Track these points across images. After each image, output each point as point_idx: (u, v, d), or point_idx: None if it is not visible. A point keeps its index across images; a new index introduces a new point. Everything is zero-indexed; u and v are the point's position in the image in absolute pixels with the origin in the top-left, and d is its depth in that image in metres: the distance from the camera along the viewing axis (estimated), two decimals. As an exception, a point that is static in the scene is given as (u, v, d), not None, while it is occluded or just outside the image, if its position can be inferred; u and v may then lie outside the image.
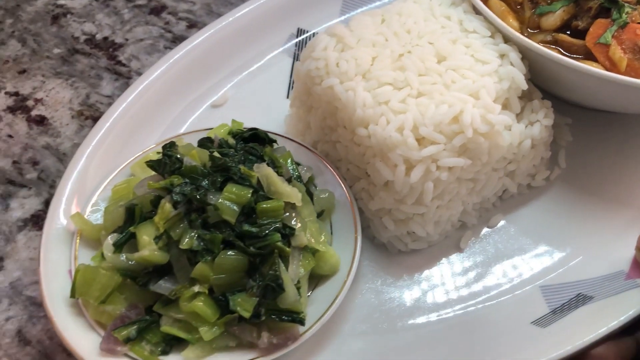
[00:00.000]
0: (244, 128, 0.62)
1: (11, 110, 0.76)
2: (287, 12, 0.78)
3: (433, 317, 0.56)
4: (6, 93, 0.78)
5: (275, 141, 0.60)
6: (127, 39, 0.83)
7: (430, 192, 0.55)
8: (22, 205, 0.67)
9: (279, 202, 0.52)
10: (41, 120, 0.75)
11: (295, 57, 0.77)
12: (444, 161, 0.54)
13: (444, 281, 0.59)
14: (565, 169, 0.66)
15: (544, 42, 0.63)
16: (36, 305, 0.60)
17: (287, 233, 0.52)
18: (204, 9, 0.84)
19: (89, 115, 0.72)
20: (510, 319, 0.55)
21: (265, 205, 0.52)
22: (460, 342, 0.54)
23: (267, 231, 0.51)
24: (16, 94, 0.77)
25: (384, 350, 0.55)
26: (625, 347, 0.51)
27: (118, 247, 0.52)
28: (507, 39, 0.60)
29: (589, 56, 0.61)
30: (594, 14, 0.62)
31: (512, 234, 0.62)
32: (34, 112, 0.76)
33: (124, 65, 0.79)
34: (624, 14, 0.60)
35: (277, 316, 0.50)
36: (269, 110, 0.72)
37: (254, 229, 0.51)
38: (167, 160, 0.54)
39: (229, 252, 0.51)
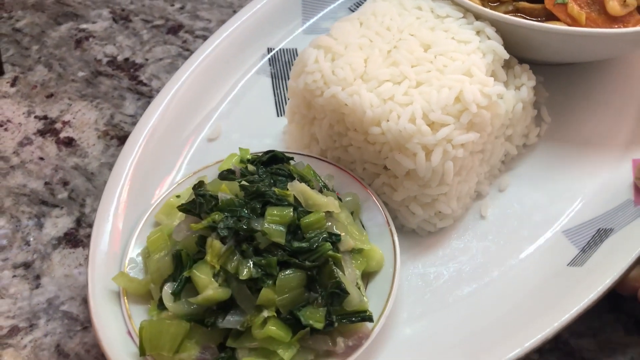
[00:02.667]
0: (259, 152, 0.63)
1: (41, 133, 0.80)
2: (255, 35, 0.80)
3: (478, 284, 0.60)
4: (35, 117, 0.81)
5: (292, 158, 0.62)
6: (147, 59, 0.88)
7: (451, 171, 0.58)
8: (55, 225, 0.70)
9: (320, 214, 0.55)
10: (69, 142, 0.78)
11: (273, 76, 0.80)
12: (457, 139, 0.58)
13: (477, 249, 0.63)
14: (551, 122, 0.71)
15: (508, 12, 0.68)
16: (73, 320, 0.64)
17: (334, 240, 0.54)
18: (219, 25, 0.86)
19: (114, 135, 0.76)
20: (549, 267, 0.59)
21: (308, 219, 0.54)
22: (512, 300, 0.58)
23: (316, 243, 0.53)
24: (45, 117, 0.81)
25: (444, 325, 0.58)
26: None
27: (177, 294, 0.53)
28: (477, 17, 0.65)
29: (550, 17, 0.67)
30: (546, -22, 0.68)
31: (522, 192, 0.67)
32: (62, 134, 0.79)
33: (145, 84, 0.83)
34: (574, -26, 0.66)
35: (348, 319, 0.53)
36: (263, 131, 0.74)
37: (304, 244, 0.53)
38: (202, 200, 0.55)
39: (287, 272, 0.52)
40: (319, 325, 0.52)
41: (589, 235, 0.60)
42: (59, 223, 0.70)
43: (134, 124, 0.75)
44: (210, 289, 0.51)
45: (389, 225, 0.60)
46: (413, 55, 0.61)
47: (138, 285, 0.57)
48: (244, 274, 0.52)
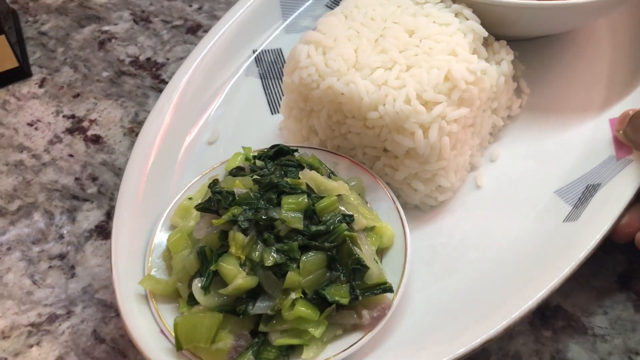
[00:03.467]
0: (265, 148, 0.66)
1: (70, 131, 0.84)
2: (240, 39, 0.83)
3: (483, 249, 0.64)
4: (64, 116, 0.86)
5: (296, 150, 0.65)
6: (168, 58, 0.92)
7: (448, 145, 0.62)
8: (87, 218, 0.75)
9: (332, 198, 0.58)
10: (97, 139, 0.83)
11: (262, 76, 0.83)
12: (450, 115, 0.62)
13: (478, 217, 0.67)
14: (530, 93, 0.75)
15: (484, -7, 0.73)
16: (107, 307, 0.68)
17: (348, 220, 0.58)
18: None
19: (139, 131, 0.77)
20: (547, 225, 0.63)
21: (322, 203, 0.57)
22: (516, 260, 0.62)
23: (332, 225, 0.56)
24: (72, 116, 0.86)
25: (455, 289, 0.62)
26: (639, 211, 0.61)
27: (206, 288, 0.55)
28: (454, 0, 0.69)
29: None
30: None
31: (512, 159, 0.71)
32: (89, 132, 0.84)
33: (166, 82, 0.84)
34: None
35: (371, 292, 0.56)
36: (259, 130, 0.77)
37: (321, 227, 0.56)
38: (219, 197, 0.58)
39: (309, 254, 0.55)
40: (345, 301, 0.55)
41: (580, 192, 0.65)
42: (90, 216, 0.75)
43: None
44: (239, 278, 0.54)
45: (394, 203, 0.64)
46: (399, 41, 0.65)
47: (165, 286, 0.59)
48: (269, 260, 0.54)
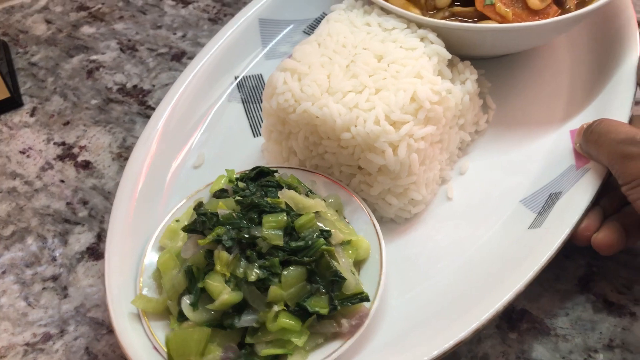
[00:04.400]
0: (246, 171, 0.70)
1: (60, 158, 0.88)
2: (222, 66, 0.87)
3: (454, 257, 0.68)
4: (55, 144, 0.90)
5: (276, 171, 0.69)
6: (154, 85, 0.96)
7: (417, 161, 0.66)
8: (78, 240, 0.78)
9: (310, 215, 0.62)
10: (87, 165, 0.87)
11: (244, 101, 0.87)
12: (417, 134, 0.66)
13: (449, 227, 0.71)
14: (496, 109, 0.80)
15: (445, 18, 0.77)
16: (99, 324, 0.71)
17: (326, 236, 0.62)
18: None
19: (127, 157, 0.82)
20: (513, 233, 0.67)
21: (301, 221, 0.61)
22: (484, 266, 0.66)
23: (311, 240, 0.61)
24: (63, 143, 0.90)
25: (428, 296, 0.66)
26: (596, 215, 0.65)
27: (195, 304, 0.59)
28: (419, 25, 0.74)
29: (482, 17, 0.76)
30: (472, -16, 0.77)
31: (480, 172, 0.76)
32: (79, 158, 0.88)
33: (153, 108, 0.91)
34: (495, -23, 0.76)
35: (348, 302, 0.60)
36: (243, 152, 0.81)
37: (300, 243, 0.60)
38: (204, 218, 0.62)
39: (290, 269, 0.59)
40: (325, 311, 0.59)
41: (543, 201, 0.69)
42: (81, 239, 0.78)
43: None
44: (225, 293, 0.58)
45: (370, 217, 0.68)
46: (369, 66, 0.69)
47: (156, 304, 0.63)
48: (253, 276, 0.58)
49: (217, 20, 1.06)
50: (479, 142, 0.78)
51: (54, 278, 0.75)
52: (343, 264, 0.61)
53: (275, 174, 0.69)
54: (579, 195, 0.66)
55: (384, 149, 0.65)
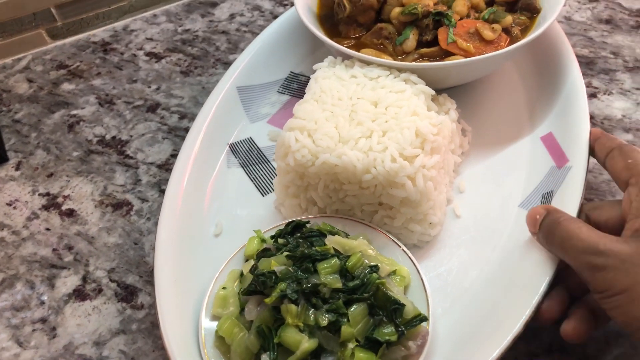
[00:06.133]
0: (276, 226, 0.75)
1: (45, 208, 0.94)
2: (215, 137, 0.92)
3: (480, 266, 0.76)
4: (39, 194, 0.96)
5: (308, 222, 0.75)
6: (131, 136, 1.02)
7: (432, 188, 0.74)
8: (65, 283, 0.84)
9: (357, 254, 0.68)
10: (70, 213, 0.92)
11: (243, 165, 0.91)
12: (428, 164, 0.74)
13: (466, 242, 0.79)
14: (472, 130, 0.90)
15: (415, 60, 0.87)
16: None
17: (375, 270, 0.67)
18: (192, 101, 1.08)
19: (108, 203, 0.93)
20: (523, 235, 0.75)
21: (352, 261, 0.67)
22: (509, 268, 0.73)
23: (365, 278, 0.66)
24: (47, 194, 0.96)
25: (468, 305, 0.72)
26: (559, 296, 0.68)
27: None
28: (399, 70, 0.83)
29: (447, 54, 0.87)
30: (432, 27, 0.88)
31: (475, 188, 0.84)
32: (64, 207, 0.93)
33: (131, 157, 0.99)
34: (452, 20, 0.87)
35: (411, 325, 0.65)
36: (257, 212, 0.85)
37: (357, 282, 0.66)
38: (263, 278, 0.65)
39: (354, 307, 0.64)
40: (394, 338, 0.64)
41: (539, 201, 0.79)
42: (67, 282, 0.84)
43: (124, 192, 0.94)
44: (305, 342, 0.61)
45: (400, 246, 0.74)
46: (369, 113, 0.77)
47: (229, 372, 0.65)
48: (324, 321, 0.63)
49: (189, 73, 1.13)
50: (467, 162, 0.88)
51: (43, 320, 0.80)
52: (397, 292, 0.67)
53: (307, 225, 0.74)
54: (570, 189, 0.76)
55: (403, 182, 0.72)
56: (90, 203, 0.93)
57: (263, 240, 0.76)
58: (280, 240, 0.72)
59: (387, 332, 0.64)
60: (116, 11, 1.27)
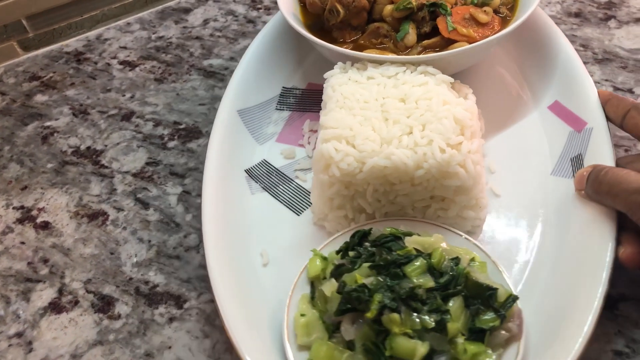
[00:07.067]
0: (337, 240, 0.73)
1: (20, 221, 0.92)
2: (233, 165, 0.88)
3: (534, 240, 0.77)
4: (14, 208, 0.94)
5: (371, 228, 0.73)
6: (106, 145, 1.02)
7: (481, 171, 0.75)
8: (41, 297, 0.83)
9: (438, 250, 0.67)
10: (45, 225, 0.91)
11: (267, 188, 0.88)
12: (473, 148, 0.75)
13: (514, 217, 0.80)
14: (481, 112, 0.92)
15: (420, 53, 0.88)
16: None
17: (457, 262, 0.67)
18: (166, 108, 1.07)
19: (84, 214, 0.92)
20: (567, 201, 0.78)
21: (436, 258, 0.66)
22: (573, 230, 0.74)
23: (452, 271, 0.65)
24: (22, 207, 0.94)
25: (538, 273, 0.74)
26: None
27: (392, 373, 0.60)
28: (412, 64, 0.83)
29: (449, 42, 0.88)
30: (429, 19, 0.89)
31: (504, 166, 0.85)
32: (38, 220, 0.92)
33: (106, 167, 0.99)
34: (447, 9, 0.88)
35: (507, 307, 0.65)
36: (298, 234, 0.82)
37: (447, 277, 0.65)
38: (356, 294, 0.63)
39: (451, 302, 0.63)
40: (497, 323, 0.64)
41: (569, 166, 0.82)
42: (43, 295, 0.82)
43: (100, 202, 0.93)
44: (420, 347, 0.60)
45: (461, 235, 0.74)
46: (401, 110, 0.76)
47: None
48: (429, 322, 0.61)
49: (163, 80, 1.12)
50: (487, 144, 0.89)
51: (19, 335, 0.78)
52: (484, 278, 0.67)
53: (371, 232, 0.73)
54: (600, 152, 0.78)
55: (456, 171, 0.73)
56: (65, 214, 0.91)
57: (324, 259, 0.73)
58: (351, 253, 0.70)
59: (489, 318, 0.64)
60: (89, 20, 1.27)
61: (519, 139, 0.89)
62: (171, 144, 1.00)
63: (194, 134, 1.01)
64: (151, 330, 0.77)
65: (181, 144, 1.00)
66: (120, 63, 1.17)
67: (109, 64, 1.17)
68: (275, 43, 1.03)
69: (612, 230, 0.71)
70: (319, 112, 0.95)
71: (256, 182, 0.89)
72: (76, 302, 0.80)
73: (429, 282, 0.64)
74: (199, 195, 0.90)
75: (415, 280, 0.63)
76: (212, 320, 0.76)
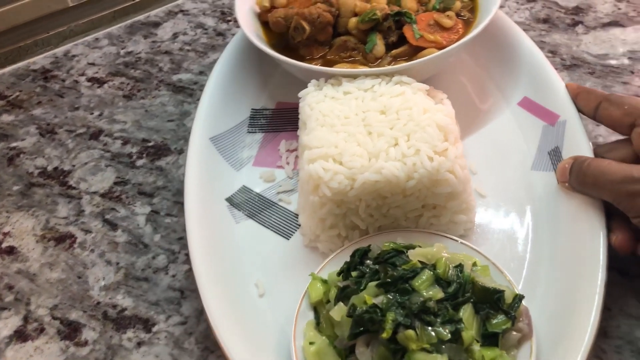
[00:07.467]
0: (334, 261, 0.72)
1: None
2: (214, 194, 0.85)
3: (526, 236, 0.79)
4: None
5: (369, 245, 0.71)
6: (74, 165, 0.99)
7: (468, 174, 0.76)
8: (6, 325, 0.80)
9: (442, 260, 0.66)
10: (11, 250, 0.88)
11: (251, 215, 0.85)
12: (458, 153, 0.75)
13: (503, 215, 0.81)
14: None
15: (390, 63, 0.88)
16: None
17: (461, 269, 0.67)
18: (135, 125, 1.05)
19: (51, 237, 0.89)
20: (552, 193, 0.79)
21: (441, 268, 0.65)
22: (558, 228, 0.76)
23: (458, 279, 0.65)
24: None
25: (537, 272, 0.75)
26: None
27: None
28: (386, 75, 0.83)
29: (417, 49, 0.88)
30: (395, 28, 0.90)
31: (483, 165, 0.86)
32: (3, 245, 0.89)
33: (74, 188, 0.96)
34: (412, 17, 0.89)
35: (515, 307, 0.65)
36: (290, 260, 0.80)
37: (453, 285, 0.64)
38: (368, 315, 0.61)
39: (462, 310, 0.63)
40: (509, 325, 0.64)
41: (548, 159, 0.83)
42: (8, 323, 0.80)
43: (67, 224, 0.90)
44: (438, 357, 0.59)
45: (456, 240, 0.74)
46: (383, 122, 0.76)
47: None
48: (445, 334, 0.61)
49: (131, 97, 1.10)
50: (465, 144, 0.90)
51: None
52: (489, 281, 0.67)
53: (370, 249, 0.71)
54: (576, 143, 0.80)
55: (447, 178, 0.73)
56: (31, 238, 0.89)
57: (324, 282, 0.72)
58: (354, 273, 0.68)
59: (500, 321, 0.64)
60: (56, 37, 1.25)
61: (495, 138, 0.90)
62: (140, 162, 0.98)
63: (162, 152, 1.00)
64: (119, 356, 0.74)
65: (150, 162, 0.98)
66: (89, 80, 1.15)
67: (76, 81, 1.15)
68: (239, 65, 1.01)
69: (601, 218, 0.72)
70: (292, 131, 0.95)
71: (239, 210, 0.86)
72: (42, 330, 0.78)
73: (439, 294, 0.63)
74: (168, 214, 0.90)
75: (425, 294, 0.63)
76: (181, 344, 0.75)
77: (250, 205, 0.87)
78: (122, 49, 1.21)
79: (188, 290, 0.80)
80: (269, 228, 0.84)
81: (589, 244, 0.71)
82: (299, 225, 0.83)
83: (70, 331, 0.78)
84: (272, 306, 0.75)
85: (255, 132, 0.97)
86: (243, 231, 0.84)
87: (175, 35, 1.23)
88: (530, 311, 0.67)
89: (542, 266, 0.75)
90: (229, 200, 0.87)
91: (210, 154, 0.90)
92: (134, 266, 0.84)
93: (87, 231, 0.89)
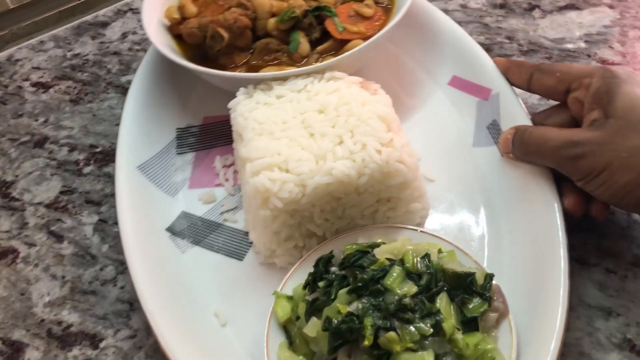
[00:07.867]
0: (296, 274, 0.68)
1: None
2: (150, 227, 0.78)
3: (482, 214, 0.78)
4: None
5: (332, 251, 0.68)
6: (17, 175, 0.95)
7: (415, 162, 0.74)
8: None
9: (408, 254, 0.64)
10: None
11: (196, 242, 0.80)
12: (402, 141, 0.73)
13: (455, 198, 0.80)
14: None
15: (319, 60, 0.85)
16: None
17: (429, 259, 0.65)
18: (82, 131, 1.01)
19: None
20: (499, 167, 0.80)
21: (409, 262, 0.63)
22: (512, 200, 0.77)
23: (428, 269, 0.63)
24: None
25: (501, 254, 0.74)
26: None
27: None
28: (317, 72, 0.80)
29: (343, 42, 0.86)
30: (316, 23, 0.86)
31: (424, 152, 0.85)
32: None
33: (17, 199, 0.91)
34: (332, 10, 0.86)
35: (488, 288, 0.64)
36: (250, 282, 0.75)
37: (425, 276, 0.62)
38: (346, 325, 0.58)
39: (437, 301, 0.61)
40: (486, 306, 0.63)
41: (487, 133, 0.84)
42: None
43: (10, 238, 0.86)
44: (427, 356, 0.57)
45: (416, 229, 0.72)
46: (323, 122, 0.73)
47: None
48: (427, 329, 0.58)
49: (79, 101, 1.06)
50: (404, 131, 0.88)
51: None
52: (458, 266, 0.65)
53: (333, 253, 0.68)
54: (513, 113, 0.81)
55: (397, 168, 0.70)
56: None
57: (290, 298, 0.67)
58: (321, 284, 0.65)
59: (476, 305, 0.62)
60: None
61: (433, 122, 0.90)
62: (87, 170, 0.94)
63: (110, 157, 0.95)
64: (64, 376, 0.69)
65: (97, 168, 0.94)
66: (33, 85, 1.10)
67: (20, 87, 1.10)
68: (156, 85, 0.94)
69: (551, 184, 0.73)
70: (225, 145, 0.89)
71: (182, 238, 0.80)
72: (-17, 353, 0.72)
73: (412, 288, 0.61)
74: (116, 223, 0.82)
75: (398, 291, 0.60)
76: (130, 359, 0.72)
77: (193, 231, 0.81)
78: (69, 51, 1.16)
79: (137, 302, 0.71)
80: (218, 252, 0.79)
81: (544, 210, 0.72)
82: (251, 244, 0.78)
83: (12, 352, 0.74)
84: (237, 334, 0.70)
85: (185, 152, 0.91)
86: (191, 260, 0.78)
87: (124, 35, 1.18)
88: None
89: (503, 241, 0.74)
90: (170, 229, 0.81)
91: (141, 184, 0.83)
92: (80, 279, 0.80)
93: (31, 244, 0.85)
